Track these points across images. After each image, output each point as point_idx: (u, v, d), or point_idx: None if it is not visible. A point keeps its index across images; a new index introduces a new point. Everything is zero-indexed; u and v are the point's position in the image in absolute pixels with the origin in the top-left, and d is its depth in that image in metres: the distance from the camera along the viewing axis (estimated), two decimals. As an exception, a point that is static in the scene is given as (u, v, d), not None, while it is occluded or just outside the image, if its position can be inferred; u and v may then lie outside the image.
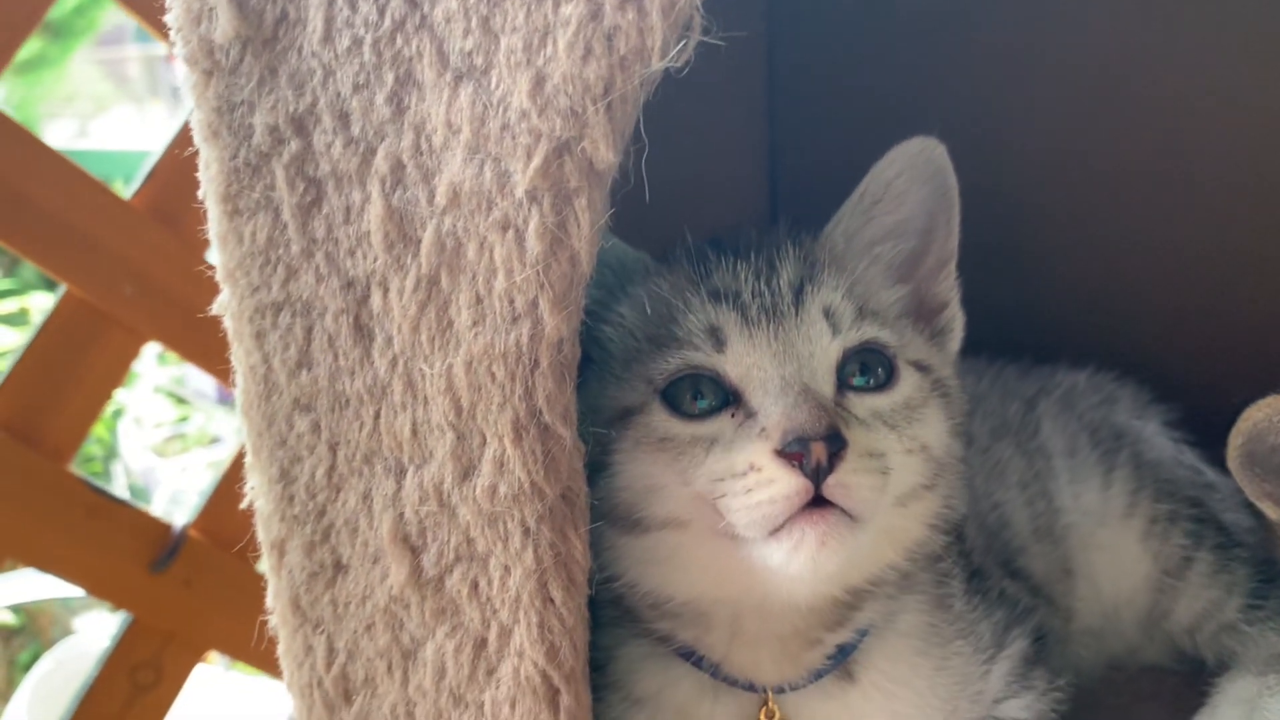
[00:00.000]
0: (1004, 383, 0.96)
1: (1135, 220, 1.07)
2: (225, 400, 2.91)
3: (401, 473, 0.60)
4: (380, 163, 0.56)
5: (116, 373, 1.32)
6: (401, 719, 0.63)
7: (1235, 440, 0.69)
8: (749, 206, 1.25)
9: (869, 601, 0.67)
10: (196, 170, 1.34)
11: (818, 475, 0.56)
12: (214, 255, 0.62)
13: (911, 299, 0.72)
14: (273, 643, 1.48)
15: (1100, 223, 1.08)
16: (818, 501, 0.56)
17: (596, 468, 0.61)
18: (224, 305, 0.62)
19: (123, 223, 1.25)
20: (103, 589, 1.31)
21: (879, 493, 0.58)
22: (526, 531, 0.57)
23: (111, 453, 2.87)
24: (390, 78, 0.55)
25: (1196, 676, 0.82)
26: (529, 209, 0.53)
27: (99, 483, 1.29)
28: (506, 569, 0.58)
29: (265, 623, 1.36)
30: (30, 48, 1.16)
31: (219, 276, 0.62)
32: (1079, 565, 0.87)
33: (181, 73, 0.60)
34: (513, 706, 0.60)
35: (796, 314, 0.62)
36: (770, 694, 0.67)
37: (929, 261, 0.72)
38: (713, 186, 1.11)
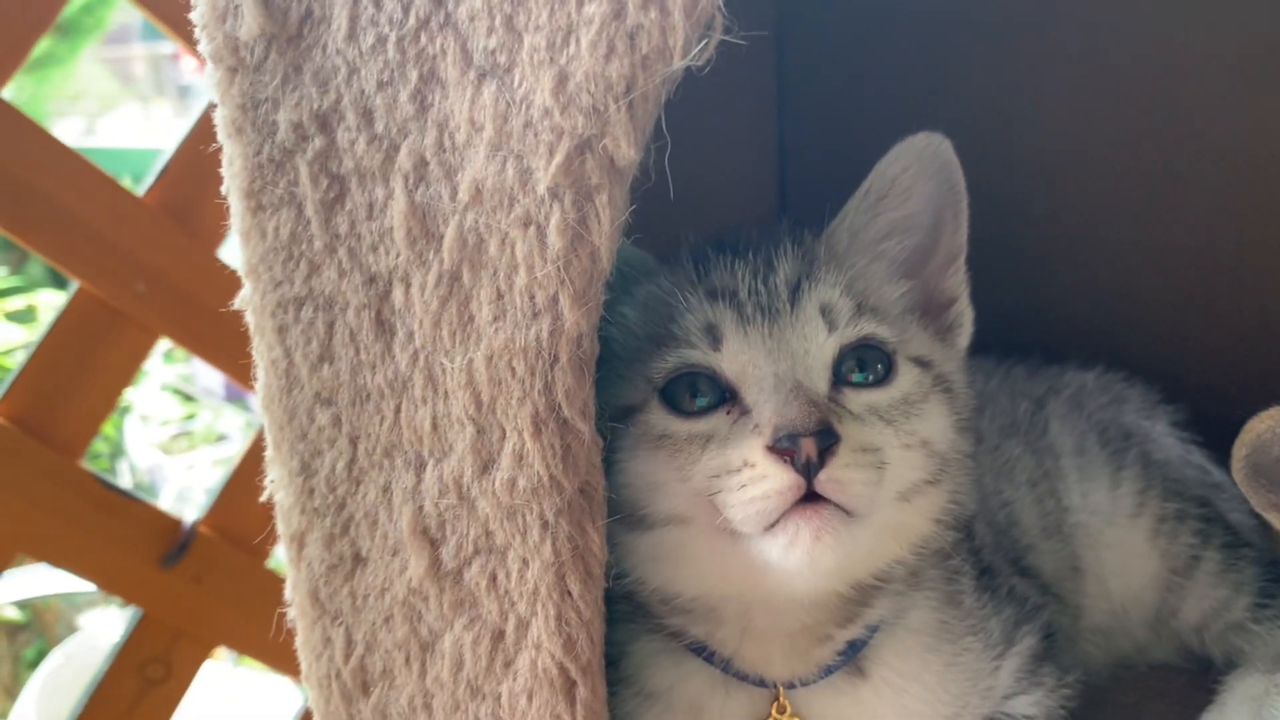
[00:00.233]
0: (1013, 382, 0.97)
1: (1144, 220, 1.08)
2: (233, 398, 2.92)
3: (421, 466, 0.61)
4: (403, 159, 0.56)
5: (128, 369, 1.33)
6: (419, 710, 0.64)
7: (1239, 452, 0.69)
8: (758, 203, 1.26)
9: (879, 598, 0.68)
10: (209, 167, 1.35)
11: (809, 470, 0.56)
12: (236, 250, 0.62)
13: (919, 294, 0.72)
14: (280, 638, 1.49)
15: (1108, 222, 1.09)
16: (813, 497, 0.57)
17: (605, 465, 0.62)
18: (246, 300, 0.63)
19: (135, 220, 1.25)
20: (114, 584, 1.32)
21: (873, 487, 0.59)
22: (545, 525, 0.58)
23: (118, 449, 2.88)
24: (414, 75, 0.55)
25: (1204, 675, 0.83)
26: (550, 205, 0.54)
27: (106, 475, 1.30)
28: (525, 562, 0.59)
29: (280, 617, 1.37)
30: (39, 46, 1.17)
31: (241, 271, 0.63)
32: (1088, 563, 0.88)
33: (206, 69, 0.60)
34: (530, 698, 0.60)
35: (792, 311, 0.63)
36: (781, 689, 0.68)
37: (937, 256, 0.72)
38: (721, 183, 1.11)
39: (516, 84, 0.53)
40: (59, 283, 2.91)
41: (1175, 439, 0.95)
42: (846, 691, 0.68)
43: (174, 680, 1.38)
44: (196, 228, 1.30)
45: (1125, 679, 0.88)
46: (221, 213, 1.36)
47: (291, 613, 0.69)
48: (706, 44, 0.50)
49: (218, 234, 1.33)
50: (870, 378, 0.64)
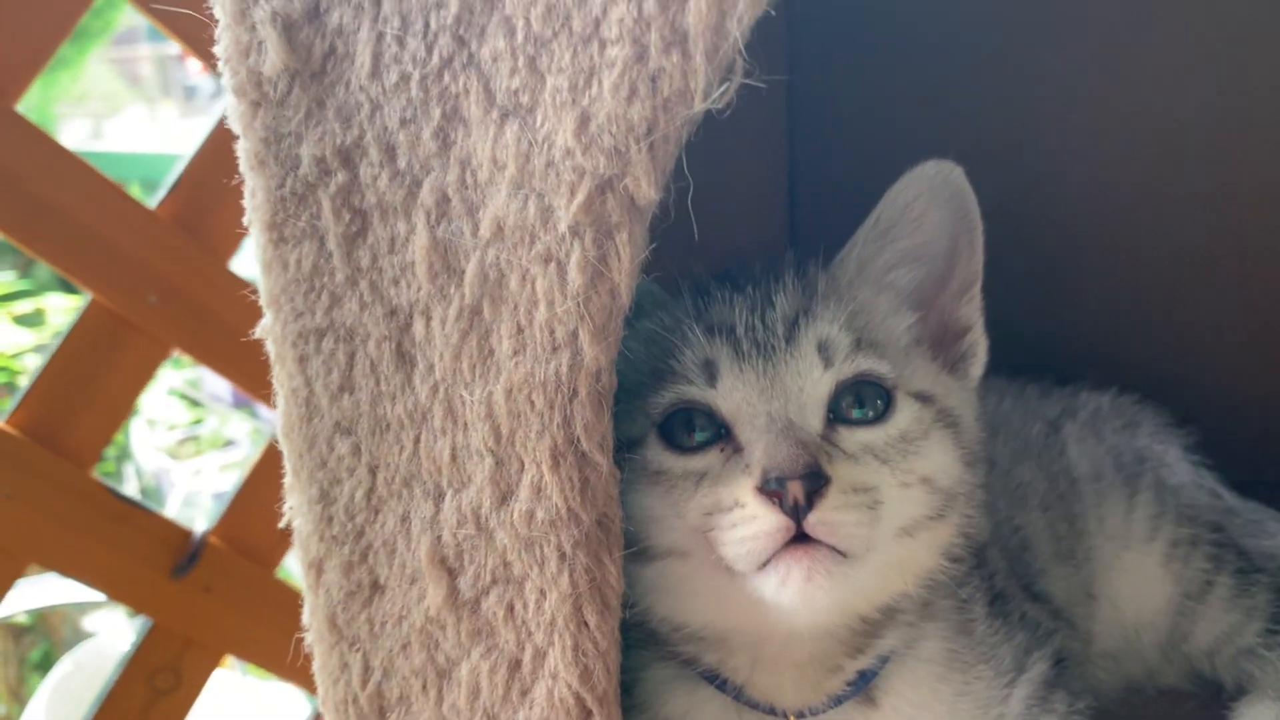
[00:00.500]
0: (1025, 403, 0.97)
1: (1155, 243, 1.08)
2: (240, 404, 2.93)
3: (440, 496, 0.61)
4: (426, 196, 0.57)
5: (140, 380, 1.33)
6: (436, 737, 0.65)
7: None
8: (767, 232, 1.27)
9: (888, 629, 0.68)
10: (220, 180, 1.35)
11: (797, 513, 0.56)
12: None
13: (932, 325, 0.72)
14: (289, 649, 1.49)
15: (1119, 246, 1.09)
16: (806, 537, 0.57)
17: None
18: (267, 329, 0.64)
19: (148, 232, 1.26)
20: (124, 594, 1.32)
21: (866, 528, 0.58)
22: (563, 556, 0.59)
23: (124, 454, 2.90)
24: (437, 113, 0.56)
25: (1214, 700, 0.83)
26: (571, 243, 0.54)
27: (113, 484, 1.30)
28: (542, 592, 0.60)
29: (289, 626, 1.37)
30: (49, 50, 1.19)
31: (262, 301, 0.63)
32: (1100, 588, 0.88)
33: (229, 103, 0.61)
34: (546, 727, 0.61)
35: (788, 348, 0.63)
36: (793, 718, 0.68)
37: (952, 285, 0.72)
38: (730, 212, 1.12)
39: (539, 124, 0.53)
40: (67, 287, 2.93)
41: (1188, 463, 0.95)
42: None
43: (183, 689, 1.39)
44: (208, 240, 1.30)
45: (1135, 704, 0.88)
46: (233, 225, 1.37)
47: (309, 637, 0.69)
48: (727, 88, 0.50)
49: (229, 246, 1.33)
50: (870, 414, 0.63)
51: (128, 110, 5.08)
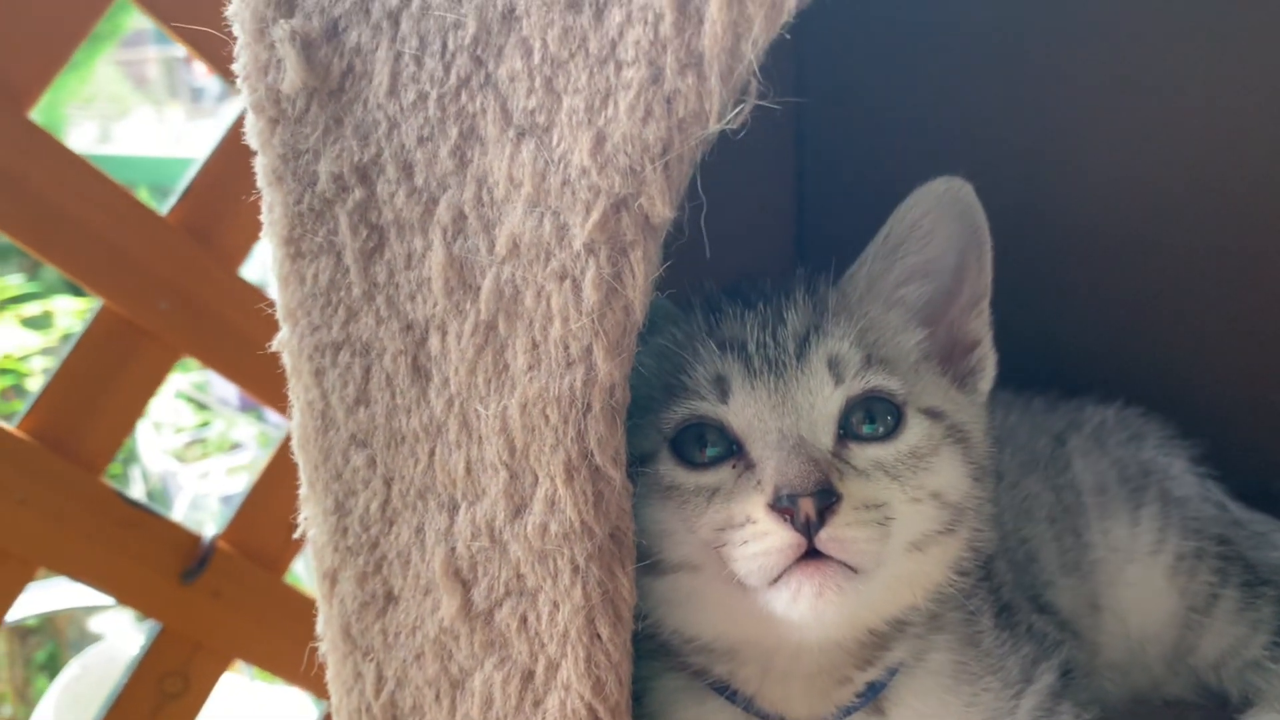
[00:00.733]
0: (1032, 416, 0.97)
1: (1159, 255, 1.09)
2: (247, 407, 2.94)
3: (454, 508, 0.62)
4: (442, 212, 0.58)
5: (150, 386, 1.34)
6: (448, 746, 0.65)
7: None
8: (774, 247, 1.27)
9: (897, 642, 0.69)
10: (231, 188, 1.36)
11: (809, 529, 0.57)
12: (276, 293, 0.64)
13: (941, 340, 0.72)
14: (295, 653, 1.49)
15: (1124, 257, 1.10)
16: (817, 553, 0.57)
17: None
18: (283, 342, 0.64)
19: (159, 239, 1.27)
20: (134, 599, 1.33)
21: (877, 544, 0.59)
22: (576, 569, 0.59)
23: (130, 457, 2.91)
24: (454, 132, 0.57)
25: (1220, 712, 0.83)
26: (586, 260, 0.55)
27: (119, 487, 1.31)
28: (555, 604, 0.60)
29: (297, 631, 1.37)
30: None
31: (279, 314, 0.64)
32: (1106, 600, 0.89)
33: (247, 119, 0.62)
34: (558, 738, 0.61)
35: (798, 364, 0.63)
36: (802, 729, 0.69)
37: (960, 300, 0.72)
38: (736, 227, 1.13)
39: (555, 143, 0.54)
40: (74, 290, 2.94)
41: (1194, 475, 0.95)
42: None
43: (192, 693, 1.40)
44: (219, 246, 1.31)
45: (1141, 715, 0.88)
46: (243, 232, 1.38)
47: (323, 647, 0.70)
48: (742, 109, 0.51)
49: (239, 253, 1.35)
50: (880, 429, 0.64)
51: (135, 113, 5.10)
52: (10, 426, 1.19)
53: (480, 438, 0.60)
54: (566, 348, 0.57)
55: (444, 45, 0.56)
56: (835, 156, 1.24)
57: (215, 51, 1.19)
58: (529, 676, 0.62)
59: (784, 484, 0.58)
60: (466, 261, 0.58)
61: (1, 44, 1.13)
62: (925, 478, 0.63)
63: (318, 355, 0.63)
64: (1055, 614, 0.85)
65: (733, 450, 0.63)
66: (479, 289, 0.58)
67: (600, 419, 0.57)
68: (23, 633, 2.68)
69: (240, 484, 2.72)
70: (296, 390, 0.65)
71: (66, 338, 2.81)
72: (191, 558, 1.35)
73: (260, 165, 0.62)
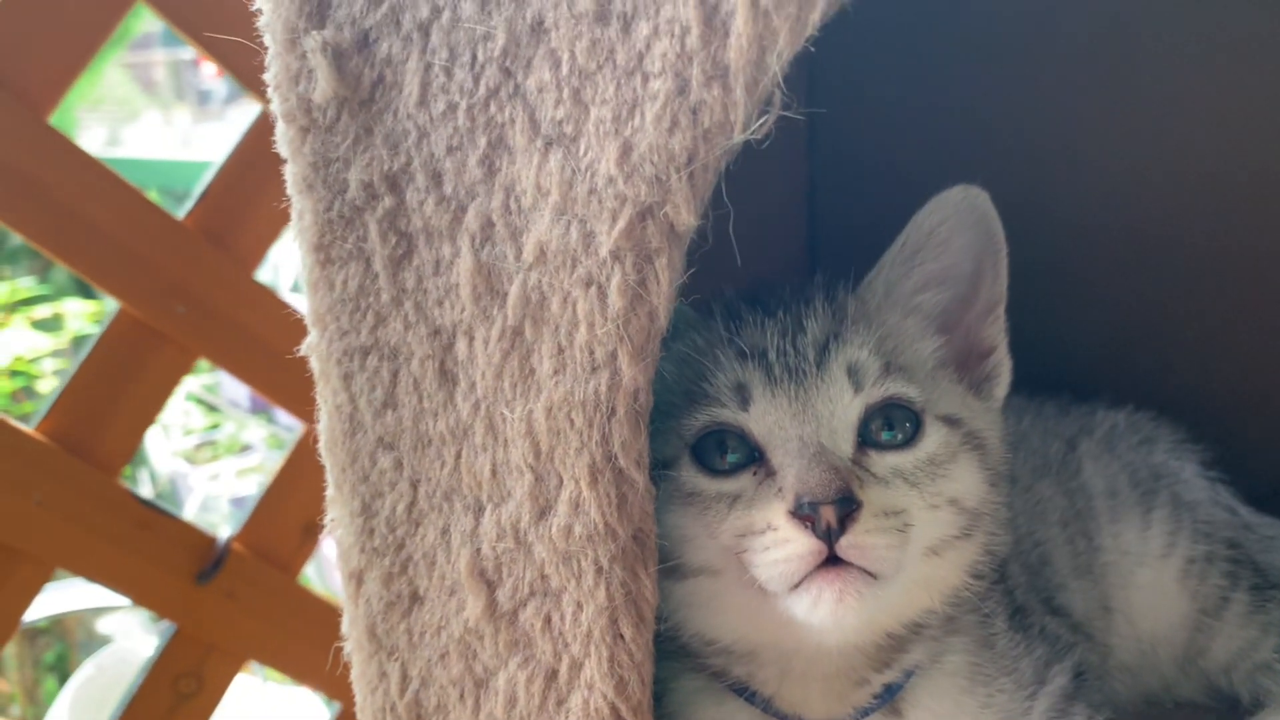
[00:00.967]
0: (1044, 421, 0.98)
1: (1169, 257, 1.10)
2: (258, 409, 2.95)
3: (480, 510, 0.63)
4: (471, 220, 0.59)
5: (166, 388, 1.35)
6: (472, 745, 0.66)
7: None
8: (787, 256, 1.28)
9: (914, 644, 0.70)
10: (246, 192, 1.37)
11: (830, 536, 0.58)
12: (304, 298, 0.65)
13: (956, 347, 0.73)
14: (308, 654, 1.50)
15: (1134, 258, 1.11)
16: (838, 559, 0.59)
17: None
18: (312, 347, 0.66)
19: (176, 243, 1.28)
20: (149, 600, 1.34)
21: (897, 550, 0.60)
22: (599, 570, 0.60)
23: (139, 458, 2.92)
24: (483, 141, 0.58)
25: (1231, 713, 0.84)
26: (612, 267, 0.56)
27: (132, 488, 1.32)
28: (579, 605, 0.61)
29: (310, 638, 1.37)
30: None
31: (308, 319, 0.65)
32: (1118, 603, 0.89)
33: (278, 128, 0.63)
34: (581, 736, 0.62)
35: (818, 372, 0.64)
36: (820, 729, 0.70)
37: (976, 306, 0.73)
38: (749, 230, 1.14)
39: (582, 153, 0.55)
40: (85, 291, 2.96)
41: (1205, 479, 0.96)
42: None
43: (206, 694, 1.41)
44: (234, 250, 1.33)
45: (1153, 716, 0.89)
46: (258, 236, 1.39)
47: (347, 646, 0.71)
48: (766, 119, 0.52)
49: (255, 256, 1.36)
50: (899, 436, 0.65)
51: (143, 116, 5.13)
52: (28, 428, 1.20)
53: (506, 441, 0.61)
54: (592, 353, 0.58)
55: (473, 57, 0.57)
56: (847, 160, 1.25)
57: (222, 51, 1.21)
58: (552, 676, 0.63)
59: (805, 491, 0.59)
60: (494, 268, 0.59)
61: (22, 51, 1.14)
62: (943, 484, 0.64)
63: (346, 360, 0.64)
64: (1068, 616, 0.86)
65: (753, 457, 0.64)
66: (506, 295, 0.59)
67: (624, 423, 0.58)
68: (32, 634, 2.69)
69: (250, 486, 2.73)
70: (324, 394, 0.66)
71: (77, 340, 2.84)
72: (206, 559, 1.37)
73: (290, 173, 0.63)
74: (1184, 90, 1.04)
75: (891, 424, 0.65)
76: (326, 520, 0.69)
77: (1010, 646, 0.75)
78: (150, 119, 5.19)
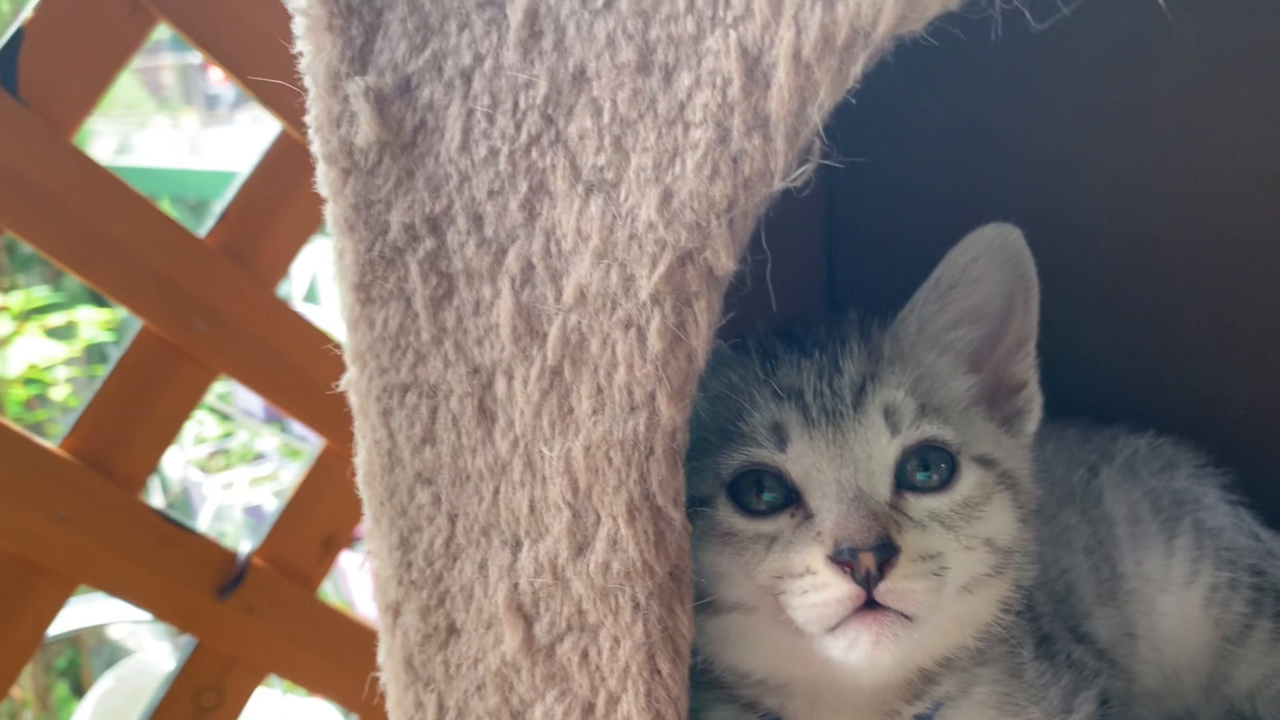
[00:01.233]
0: (1067, 448, 0.99)
1: (1187, 283, 1.10)
2: (271, 418, 2.96)
3: (518, 546, 0.64)
4: (511, 263, 0.60)
5: (188, 405, 1.37)
6: (508, 776, 0.67)
7: None
8: (808, 295, 1.28)
9: (945, 677, 0.70)
10: (267, 211, 1.38)
11: (869, 582, 0.59)
12: (344, 336, 0.66)
13: (987, 383, 0.74)
14: (326, 668, 1.50)
15: (1155, 283, 1.11)
16: (874, 603, 0.59)
17: None
18: (351, 383, 0.67)
19: (197, 261, 1.30)
20: (171, 614, 1.36)
21: (934, 595, 0.61)
22: (637, 606, 0.61)
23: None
24: (524, 186, 0.59)
25: (1255, 740, 0.85)
26: (651, 310, 0.57)
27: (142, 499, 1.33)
28: (616, 640, 0.62)
29: (329, 652, 1.37)
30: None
31: (347, 356, 0.66)
32: (1141, 630, 0.90)
33: (319, 169, 0.64)
34: (618, 769, 0.63)
35: (855, 414, 0.65)
36: (851, 758, 0.70)
37: (1007, 342, 0.74)
38: (773, 274, 1.14)
39: (623, 198, 0.56)
40: (98, 300, 2.98)
41: (1227, 504, 0.96)
42: None
43: (226, 707, 1.42)
44: (256, 268, 1.34)
45: (1176, 742, 0.90)
46: (279, 254, 1.40)
47: (383, 676, 0.72)
48: (806, 168, 0.53)
49: (276, 273, 1.37)
50: (934, 478, 0.65)
51: (153, 123, 5.15)
52: (52, 445, 1.21)
53: (544, 478, 0.62)
54: (630, 393, 0.59)
55: (515, 103, 0.58)
56: (866, 200, 1.25)
57: (228, 55, 1.21)
58: (589, 709, 0.64)
59: (844, 538, 0.59)
60: (534, 309, 0.60)
61: (47, 72, 1.15)
62: (978, 526, 0.65)
63: (385, 396, 0.65)
64: (1093, 643, 0.86)
65: (790, 498, 0.64)
66: (546, 335, 0.60)
67: (662, 462, 0.59)
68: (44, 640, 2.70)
69: (263, 495, 2.74)
70: (363, 429, 0.67)
71: (90, 348, 2.85)
72: (226, 574, 1.38)
73: (331, 213, 0.64)
74: (1205, 102, 1.04)
75: (927, 465, 0.65)
76: (364, 551, 0.70)
77: (1038, 675, 0.76)
78: (159, 125, 5.21)
